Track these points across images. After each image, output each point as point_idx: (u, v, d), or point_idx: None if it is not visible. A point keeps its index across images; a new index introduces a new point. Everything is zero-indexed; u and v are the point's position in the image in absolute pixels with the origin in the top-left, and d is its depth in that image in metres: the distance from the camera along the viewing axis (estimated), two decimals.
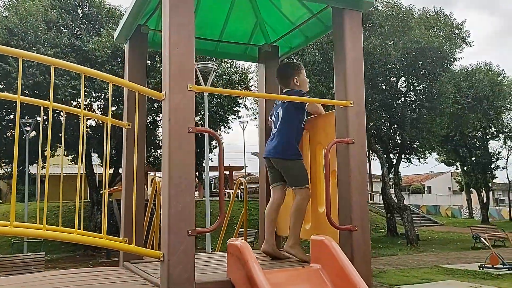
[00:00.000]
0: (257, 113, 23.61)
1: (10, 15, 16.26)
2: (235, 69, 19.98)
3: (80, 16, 18.94)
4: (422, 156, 27.51)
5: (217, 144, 3.17)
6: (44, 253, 10.61)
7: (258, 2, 3.76)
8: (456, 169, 40.21)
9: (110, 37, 17.19)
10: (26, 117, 18.79)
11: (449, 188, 56.83)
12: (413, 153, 24.43)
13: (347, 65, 2.98)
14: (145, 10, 3.33)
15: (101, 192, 19.14)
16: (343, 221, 2.91)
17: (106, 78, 2.54)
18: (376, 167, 48.90)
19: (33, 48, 15.76)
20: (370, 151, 23.85)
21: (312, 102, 3.40)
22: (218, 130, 22.75)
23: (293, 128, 3.37)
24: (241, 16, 3.85)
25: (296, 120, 3.39)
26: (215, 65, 11.53)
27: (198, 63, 11.62)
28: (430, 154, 30.82)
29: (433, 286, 11.03)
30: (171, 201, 2.37)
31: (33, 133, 20.97)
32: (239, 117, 22.47)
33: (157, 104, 19.71)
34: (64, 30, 17.77)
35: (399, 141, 22.22)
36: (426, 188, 58.83)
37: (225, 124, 22.04)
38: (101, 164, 20.70)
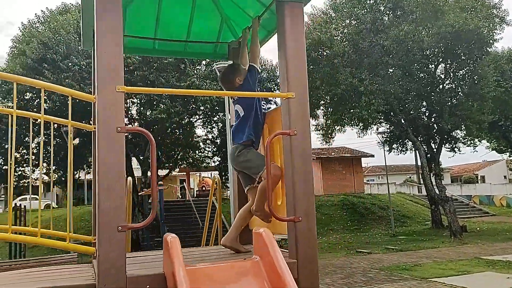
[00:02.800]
0: None
1: (44, 29, 17.12)
2: (263, 66, 20.00)
3: None
4: (470, 144, 26.47)
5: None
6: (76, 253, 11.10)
7: (219, 0, 3.80)
8: (509, 156, 38.33)
9: None
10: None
11: (505, 177, 54.18)
12: (456, 141, 23.53)
13: (288, 57, 2.97)
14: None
15: (139, 193, 19.76)
16: (290, 212, 2.91)
17: (50, 88, 2.67)
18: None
19: (67, 60, 16.53)
20: (407, 141, 23.21)
21: (254, 96, 3.41)
22: None
23: None
24: (206, 15, 3.91)
25: None
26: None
27: (217, 63, 11.76)
28: (480, 142, 29.57)
29: (468, 278, 10.61)
30: (100, 198, 2.47)
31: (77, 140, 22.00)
32: None
33: (193, 106, 20.09)
34: None
35: (438, 130, 21.47)
36: (479, 178, 56.39)
37: None
38: (141, 167, 21.34)
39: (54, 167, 22.83)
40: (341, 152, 34.29)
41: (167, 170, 24.01)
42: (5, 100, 20.16)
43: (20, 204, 23.78)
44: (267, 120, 3.51)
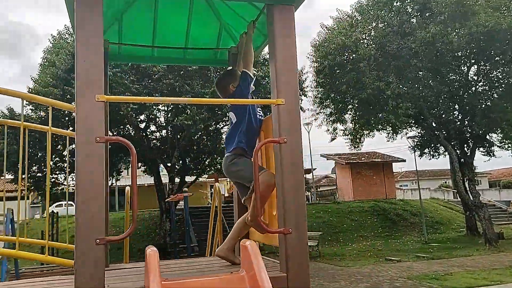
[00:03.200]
0: (317, 113, 23.31)
1: (72, 40, 17.56)
2: None
3: None
4: (509, 148, 25.47)
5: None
6: None
7: (217, 6, 3.73)
8: None
9: None
10: None
11: None
12: (491, 145, 22.67)
13: (277, 62, 2.86)
14: None
15: (166, 200, 19.92)
16: (280, 224, 2.78)
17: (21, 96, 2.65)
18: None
19: None
20: (439, 145, 22.53)
21: (243, 103, 3.31)
22: None
23: None
24: (203, 21, 3.84)
25: None
26: (254, 70, 11.55)
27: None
28: None
29: None
30: (78, 209, 2.41)
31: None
32: None
33: (220, 112, 20.13)
34: None
35: (471, 134, 20.74)
36: None
37: None
38: (168, 174, 21.53)
39: None
40: (372, 157, 33.66)
41: (194, 177, 24.11)
42: (37, 110, 20.72)
43: (52, 211, 24.41)
44: (263, 127, 3.40)
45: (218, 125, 22.02)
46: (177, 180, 22.31)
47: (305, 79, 20.22)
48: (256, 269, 2.39)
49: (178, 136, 20.82)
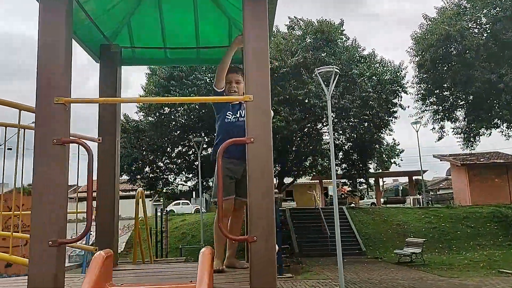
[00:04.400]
0: (422, 111, 21.70)
1: None
2: (385, 68, 18.83)
3: None
4: None
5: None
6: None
7: (221, 1, 3.59)
8: None
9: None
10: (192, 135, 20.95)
11: None
12: None
13: (248, 56, 2.63)
14: (104, 31, 3.51)
15: None
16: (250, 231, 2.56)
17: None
18: None
19: (192, 75, 17.71)
20: None
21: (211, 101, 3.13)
22: (381, 132, 21.65)
23: None
24: (211, 19, 3.72)
25: None
26: (337, 69, 11.11)
27: (318, 68, 11.40)
28: None
29: None
30: (33, 211, 2.45)
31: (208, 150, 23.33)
32: (396, 118, 20.84)
33: (316, 111, 19.85)
34: None
35: None
36: None
37: (386, 126, 20.87)
38: None
39: (190, 175, 24.60)
40: (493, 158, 30.43)
41: (292, 178, 24.05)
42: (150, 114, 22.31)
43: (166, 210, 26.07)
44: None
45: (316, 125, 21.71)
46: (275, 181, 22.45)
47: (405, 74, 18.98)
48: (198, 280, 2.21)
49: (276, 137, 20.89)
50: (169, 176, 25.46)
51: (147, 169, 24.31)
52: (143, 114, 21.91)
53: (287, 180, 24.57)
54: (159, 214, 21.10)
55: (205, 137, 22.49)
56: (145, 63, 4.01)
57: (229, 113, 3.32)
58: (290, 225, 24.82)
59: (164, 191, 26.04)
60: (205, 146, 23.30)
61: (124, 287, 2.44)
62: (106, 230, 3.58)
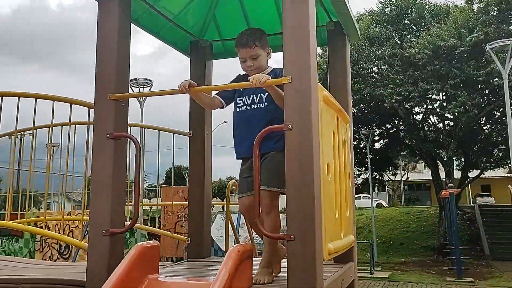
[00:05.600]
0: None
1: None
2: None
3: (403, 24, 19.16)
4: None
5: None
6: None
7: None
8: None
9: (429, 36, 16.63)
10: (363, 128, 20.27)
11: None
12: None
13: (285, 34, 2.35)
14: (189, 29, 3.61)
15: (440, 197, 18.37)
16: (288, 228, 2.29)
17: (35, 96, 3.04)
18: None
19: (356, 66, 17.14)
20: None
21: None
22: None
23: None
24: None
25: None
26: None
27: (490, 43, 9.81)
28: None
29: None
30: (91, 202, 2.61)
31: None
32: None
33: (499, 96, 17.26)
34: (387, 43, 18.37)
35: None
36: None
37: None
38: (444, 167, 19.82)
39: (362, 168, 23.89)
40: None
41: (478, 171, 21.34)
42: None
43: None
44: None
45: (503, 111, 18.86)
46: (457, 175, 20.30)
47: None
48: (215, 280, 2.05)
49: (458, 125, 18.76)
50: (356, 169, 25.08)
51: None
52: None
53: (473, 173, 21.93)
54: None
55: (376, 129, 21.61)
56: (235, 55, 3.94)
57: (239, 100, 2.79)
58: (480, 223, 22.11)
59: None
60: (376, 138, 22.39)
61: (167, 279, 2.42)
62: (197, 222, 3.65)
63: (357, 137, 22.52)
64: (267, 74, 2.61)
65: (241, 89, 2.76)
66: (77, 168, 4.38)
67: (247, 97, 2.75)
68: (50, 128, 3.77)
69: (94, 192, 2.60)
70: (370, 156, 20.45)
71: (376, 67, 18.24)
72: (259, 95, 2.71)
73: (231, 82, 2.86)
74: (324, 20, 3.53)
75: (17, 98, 3.66)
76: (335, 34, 3.41)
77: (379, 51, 17.77)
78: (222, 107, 2.81)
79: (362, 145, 23.12)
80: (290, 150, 2.26)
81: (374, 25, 18.51)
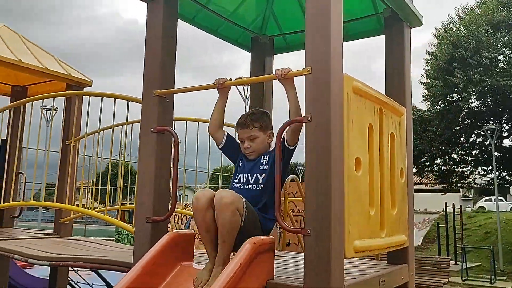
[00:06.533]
0: None
1: (455, 29, 16.92)
2: None
3: None
4: None
5: None
6: None
7: None
8: None
9: None
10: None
11: None
12: None
13: (306, 22, 2.28)
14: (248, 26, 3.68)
15: None
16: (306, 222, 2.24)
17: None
18: None
19: (477, 55, 15.68)
20: None
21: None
22: None
23: None
24: None
25: None
26: None
27: None
28: None
29: None
30: (137, 192, 2.81)
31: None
32: None
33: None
34: None
35: None
36: None
37: None
38: None
39: (489, 167, 21.81)
40: None
41: None
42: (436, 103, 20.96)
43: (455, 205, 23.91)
44: None
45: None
46: None
47: None
48: (227, 268, 2.10)
49: None
50: (464, 169, 23.22)
51: (438, 161, 22.86)
52: (429, 103, 20.77)
53: None
54: (450, 210, 19.47)
55: (504, 124, 19.59)
56: (298, 48, 3.91)
57: (236, 176, 2.67)
58: None
59: (459, 185, 23.89)
60: (505, 134, 20.30)
61: (199, 267, 2.51)
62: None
63: (482, 133, 20.68)
64: (268, 156, 2.60)
65: (241, 165, 2.69)
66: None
67: (242, 175, 2.64)
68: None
69: (140, 182, 2.79)
70: (497, 154, 18.61)
71: (502, 55, 16.51)
72: (255, 175, 2.59)
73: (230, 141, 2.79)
74: (382, 7, 3.32)
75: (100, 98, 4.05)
76: (392, 20, 3.19)
77: (506, 37, 16.03)
78: (217, 144, 2.78)
79: (487, 142, 21.15)
80: (309, 143, 2.20)
81: (501, 8, 16.71)
